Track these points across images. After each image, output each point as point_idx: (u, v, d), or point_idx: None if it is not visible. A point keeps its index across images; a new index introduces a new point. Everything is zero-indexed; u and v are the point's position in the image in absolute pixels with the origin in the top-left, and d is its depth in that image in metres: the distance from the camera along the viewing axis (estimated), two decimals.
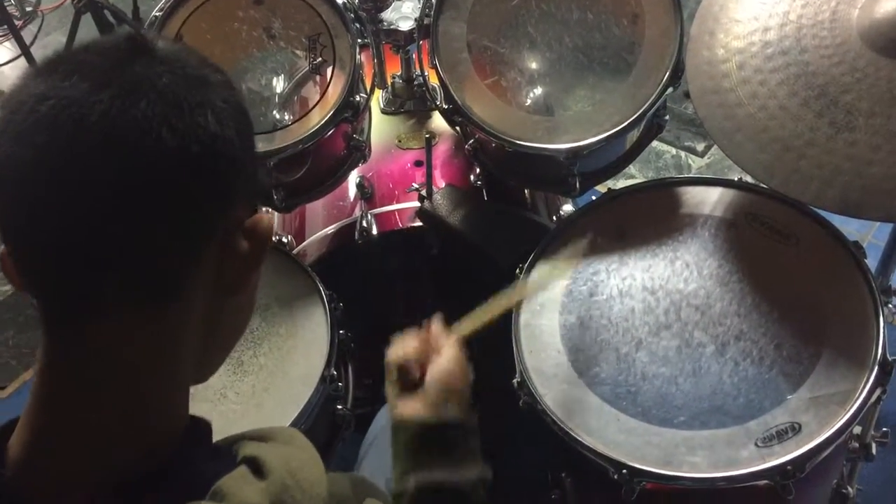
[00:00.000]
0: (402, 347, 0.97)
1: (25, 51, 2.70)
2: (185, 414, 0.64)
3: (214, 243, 0.60)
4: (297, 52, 1.35)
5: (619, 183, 2.43)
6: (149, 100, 0.55)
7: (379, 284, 1.56)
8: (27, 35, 2.96)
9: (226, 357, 0.70)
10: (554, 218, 1.62)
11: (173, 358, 0.61)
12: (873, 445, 1.33)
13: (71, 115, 0.54)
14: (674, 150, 2.55)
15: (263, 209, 0.62)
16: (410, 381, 0.95)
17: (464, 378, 0.95)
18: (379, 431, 1.21)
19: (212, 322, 0.63)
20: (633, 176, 2.49)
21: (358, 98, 1.33)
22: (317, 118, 1.30)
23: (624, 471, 1.08)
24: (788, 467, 1.04)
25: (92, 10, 2.77)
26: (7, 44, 3.08)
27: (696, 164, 2.51)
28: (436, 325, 1.00)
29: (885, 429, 1.35)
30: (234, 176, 0.60)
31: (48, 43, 3.15)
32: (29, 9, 3.17)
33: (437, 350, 0.97)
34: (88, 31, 2.91)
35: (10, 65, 3.05)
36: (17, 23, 3.09)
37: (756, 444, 1.07)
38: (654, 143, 2.59)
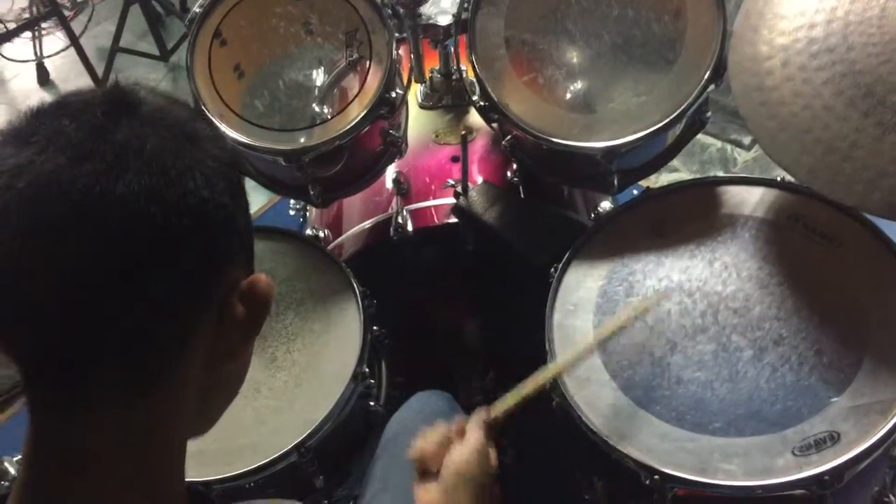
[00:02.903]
0: (423, 441, 0.94)
1: (75, 41, 2.75)
2: (180, 485, 0.61)
3: (210, 312, 0.56)
4: (335, 47, 1.34)
5: (662, 177, 2.42)
6: (134, 171, 0.51)
7: (414, 280, 1.56)
8: (78, 25, 3.02)
9: (221, 414, 0.66)
10: (592, 215, 1.60)
11: (169, 432, 0.58)
12: None
13: (51, 193, 0.49)
14: (719, 143, 2.50)
15: (260, 273, 0.61)
16: (430, 472, 0.92)
17: (481, 466, 0.91)
18: (391, 437, 1.21)
19: (208, 389, 0.60)
20: (676, 170, 2.45)
21: (394, 94, 1.32)
22: (353, 114, 1.30)
23: (656, 476, 1.06)
24: (826, 477, 1.01)
25: (140, 1, 2.82)
26: (59, 34, 3.13)
27: (742, 158, 2.46)
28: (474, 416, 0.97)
29: None
30: (227, 239, 0.56)
31: (98, 33, 3.21)
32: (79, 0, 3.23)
33: (461, 437, 0.94)
34: (137, 21, 2.97)
35: (60, 55, 3.11)
36: (67, 13, 3.15)
37: (793, 453, 1.04)
38: (699, 136, 2.54)
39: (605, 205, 1.64)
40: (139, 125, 0.53)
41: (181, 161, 0.53)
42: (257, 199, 2.52)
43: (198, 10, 1.32)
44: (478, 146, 1.59)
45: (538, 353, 1.21)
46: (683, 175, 2.44)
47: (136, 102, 0.55)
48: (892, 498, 1.35)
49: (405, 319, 1.56)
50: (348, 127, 1.28)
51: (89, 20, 3.15)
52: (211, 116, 1.28)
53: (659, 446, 1.09)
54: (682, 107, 1.23)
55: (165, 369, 0.55)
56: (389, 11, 1.35)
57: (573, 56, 1.30)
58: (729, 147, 2.49)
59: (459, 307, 1.60)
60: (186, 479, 1.17)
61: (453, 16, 1.41)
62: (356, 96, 1.32)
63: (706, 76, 1.23)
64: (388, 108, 1.31)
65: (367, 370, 1.25)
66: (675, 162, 2.44)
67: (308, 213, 1.80)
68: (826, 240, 1.20)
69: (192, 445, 1.18)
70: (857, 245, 1.18)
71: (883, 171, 1.04)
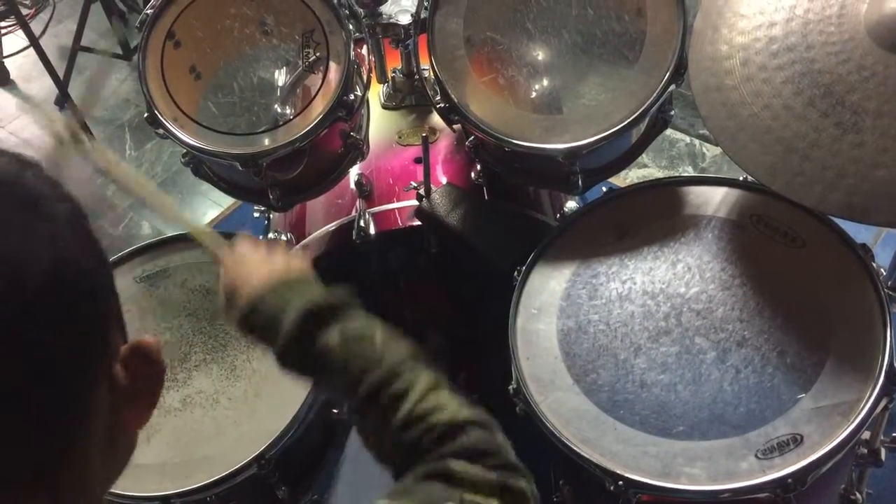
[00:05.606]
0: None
1: (34, 41, 2.69)
2: None
3: (101, 397, 0.47)
4: (292, 48, 1.32)
5: (632, 173, 2.41)
6: None
7: (379, 283, 1.54)
8: (39, 24, 2.95)
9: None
10: (558, 215, 1.59)
11: None
12: (882, 451, 1.29)
13: None
14: (688, 139, 2.50)
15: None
16: None
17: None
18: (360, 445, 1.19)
19: (108, 464, 0.51)
20: (646, 166, 2.45)
21: (353, 96, 1.30)
22: (312, 116, 1.28)
23: (620, 482, 1.05)
24: (789, 480, 1.01)
25: None
26: (19, 32, 3.06)
27: (710, 153, 2.46)
28: None
29: (894, 434, 1.31)
30: (96, 307, 0.47)
31: (59, 31, 3.15)
32: None
33: None
34: (99, 19, 2.91)
35: (21, 54, 3.04)
36: (28, 12, 3.09)
37: (756, 456, 1.04)
38: (668, 132, 2.54)
39: (572, 205, 1.63)
40: None
41: (27, 243, 0.43)
42: (221, 200, 2.48)
43: (149, 11, 1.28)
44: (441, 147, 1.57)
45: (508, 355, 1.19)
46: (653, 171, 2.43)
47: None
48: (859, 495, 1.35)
49: None
50: (305, 131, 1.25)
51: (50, 18, 3.09)
52: (164, 121, 1.26)
53: (623, 451, 1.08)
54: (644, 107, 1.22)
55: (59, 459, 0.46)
56: (347, 11, 1.33)
57: (534, 56, 1.28)
58: (698, 142, 2.49)
59: (426, 309, 1.58)
60: (145, 494, 1.14)
61: (412, 15, 1.39)
62: (315, 98, 1.30)
63: (667, 76, 1.22)
64: (346, 110, 1.28)
65: None
66: (644, 158, 2.45)
67: (272, 216, 1.77)
68: (788, 240, 1.19)
69: (152, 458, 1.17)
70: (819, 245, 1.18)
71: (842, 171, 1.03)
